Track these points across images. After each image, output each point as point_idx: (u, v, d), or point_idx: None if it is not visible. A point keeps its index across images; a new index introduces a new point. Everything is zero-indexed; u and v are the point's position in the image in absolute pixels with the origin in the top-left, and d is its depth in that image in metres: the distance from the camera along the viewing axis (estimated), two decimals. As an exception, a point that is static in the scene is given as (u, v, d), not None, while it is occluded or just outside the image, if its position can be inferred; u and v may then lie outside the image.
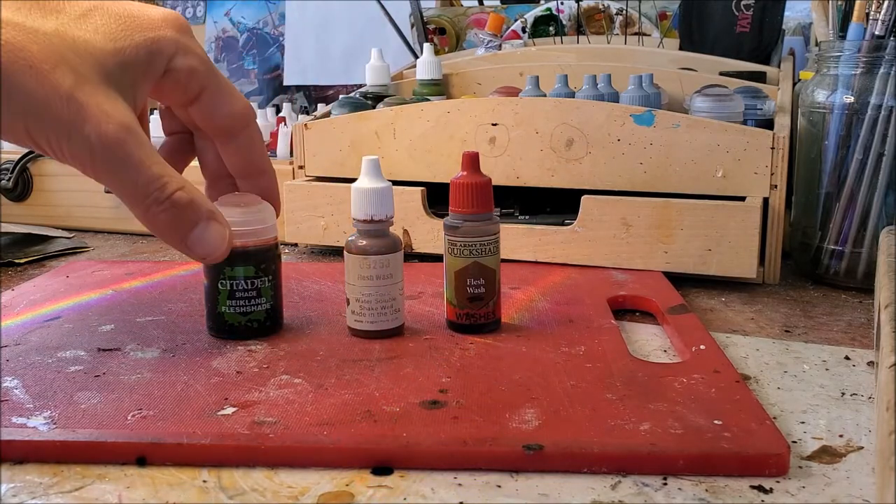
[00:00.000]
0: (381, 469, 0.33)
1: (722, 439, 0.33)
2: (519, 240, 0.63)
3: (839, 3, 0.65)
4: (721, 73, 0.75)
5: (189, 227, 0.40)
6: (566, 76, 0.71)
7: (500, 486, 0.32)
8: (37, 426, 0.35)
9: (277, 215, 0.48)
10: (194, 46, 0.42)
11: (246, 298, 0.46)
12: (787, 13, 0.85)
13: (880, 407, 0.33)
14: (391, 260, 0.46)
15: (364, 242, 0.46)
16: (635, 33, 0.98)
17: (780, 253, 0.60)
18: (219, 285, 0.45)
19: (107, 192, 0.80)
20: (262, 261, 0.46)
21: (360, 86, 0.87)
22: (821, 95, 0.60)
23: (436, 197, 0.65)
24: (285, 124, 0.84)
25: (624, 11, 1.01)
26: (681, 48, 0.85)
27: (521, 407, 0.36)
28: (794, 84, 0.71)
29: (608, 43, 0.92)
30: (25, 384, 0.40)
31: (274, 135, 0.83)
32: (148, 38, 0.39)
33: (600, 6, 1.03)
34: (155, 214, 0.38)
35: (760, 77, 0.74)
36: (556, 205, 0.66)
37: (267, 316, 0.46)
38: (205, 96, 0.42)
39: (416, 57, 0.91)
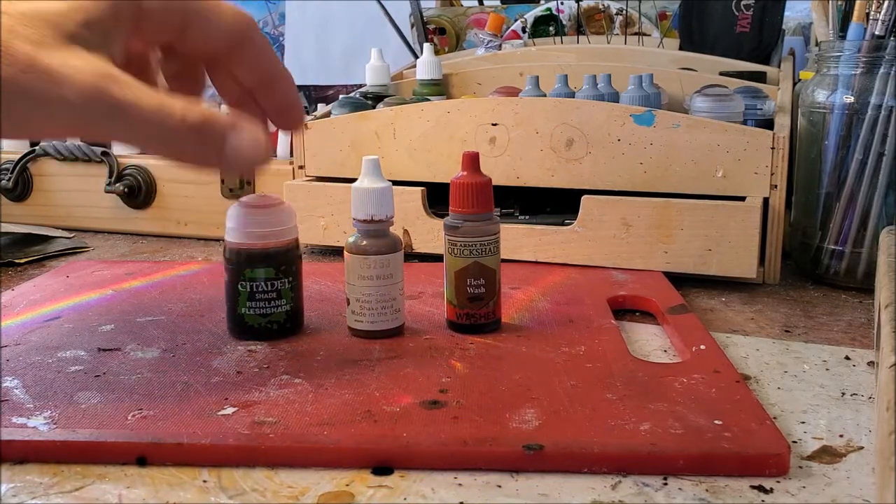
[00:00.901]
0: (381, 469, 0.33)
1: (722, 439, 0.33)
2: (519, 240, 0.63)
3: (839, 3, 0.65)
4: (721, 73, 0.75)
5: (217, 143, 0.37)
6: (566, 76, 0.71)
7: (500, 486, 0.32)
8: (37, 426, 0.35)
9: (301, 121, 0.44)
10: None
11: (266, 300, 0.45)
12: (787, 13, 0.85)
13: (880, 407, 0.33)
14: (391, 260, 0.46)
15: (364, 242, 0.46)
16: (635, 33, 0.98)
17: (780, 253, 0.60)
18: (239, 287, 0.45)
19: (107, 191, 0.80)
20: (282, 262, 0.45)
21: (360, 86, 0.86)
22: (821, 95, 0.60)
23: (436, 197, 0.65)
24: (285, 124, 0.83)
25: (624, 11, 1.01)
26: (681, 48, 0.85)
27: (521, 407, 0.36)
28: (794, 84, 0.71)
29: (608, 43, 0.92)
30: (25, 384, 0.40)
31: (274, 135, 0.83)
32: None
33: (600, 6, 1.03)
34: (177, 146, 0.36)
35: (760, 77, 0.74)
36: (556, 205, 0.66)
37: (287, 318, 0.46)
38: (191, 25, 0.39)
39: (416, 57, 0.91)
